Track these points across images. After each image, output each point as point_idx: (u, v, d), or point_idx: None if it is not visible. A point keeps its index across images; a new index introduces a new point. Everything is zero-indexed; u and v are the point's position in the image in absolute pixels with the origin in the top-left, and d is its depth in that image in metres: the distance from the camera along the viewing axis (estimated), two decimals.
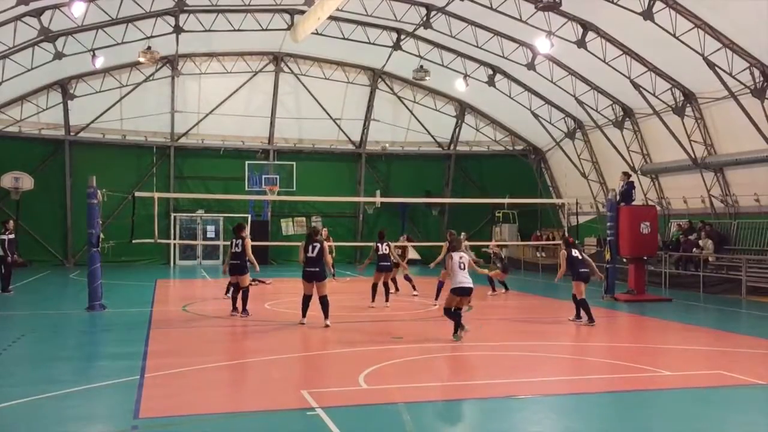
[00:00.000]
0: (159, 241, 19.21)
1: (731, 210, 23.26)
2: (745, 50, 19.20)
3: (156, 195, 17.75)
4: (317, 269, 12.83)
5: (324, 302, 12.94)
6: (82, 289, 16.41)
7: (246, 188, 31.07)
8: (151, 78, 29.89)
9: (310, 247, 12.89)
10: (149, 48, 25.58)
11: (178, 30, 25.86)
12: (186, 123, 31.65)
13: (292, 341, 11.72)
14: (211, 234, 32.78)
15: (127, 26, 24.96)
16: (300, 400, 7.72)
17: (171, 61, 29.38)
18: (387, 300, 16.35)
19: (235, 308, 14.67)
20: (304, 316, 13.11)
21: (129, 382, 8.50)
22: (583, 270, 14.24)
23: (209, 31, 26.40)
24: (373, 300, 16.34)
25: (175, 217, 31.63)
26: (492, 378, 9.26)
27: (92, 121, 30.23)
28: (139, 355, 10.24)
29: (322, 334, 12.15)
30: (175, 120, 31.30)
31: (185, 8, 24.71)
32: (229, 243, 15.01)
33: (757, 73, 19.49)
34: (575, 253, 14.39)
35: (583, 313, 14.15)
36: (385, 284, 16.53)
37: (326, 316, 12.93)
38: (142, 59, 25.88)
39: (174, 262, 31.57)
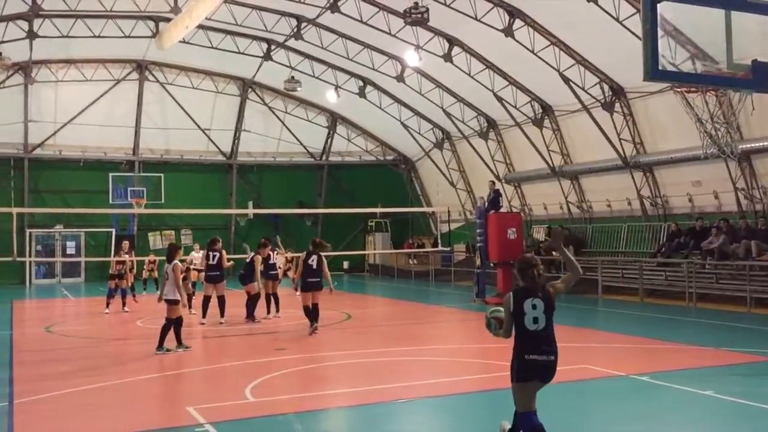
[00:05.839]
0: (17, 259, 17.96)
1: (586, 215, 24.98)
2: (595, 66, 20.76)
3: (15, 210, 16.66)
4: (318, 279, 13.48)
5: (317, 309, 13.50)
6: None
7: (110, 201, 29.68)
8: (1, 85, 27.91)
9: (312, 258, 13.47)
10: (0, 54, 23.95)
11: (32, 35, 24.35)
12: (41, 133, 29.80)
13: (169, 358, 11.35)
14: (71, 250, 30.99)
15: None
16: (186, 416, 7.55)
17: (24, 68, 27.60)
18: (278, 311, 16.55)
19: (249, 315, 15.62)
20: (316, 322, 13.53)
21: None
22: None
23: (67, 37, 25.04)
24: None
25: (30, 233, 29.64)
26: (372, 384, 9.39)
27: None
28: (4, 380, 9.57)
29: (202, 348, 11.86)
30: (28, 130, 29.38)
31: (40, 12, 23.32)
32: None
33: (606, 87, 21.13)
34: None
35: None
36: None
37: (316, 321, 13.53)
38: None
39: (30, 282, 29.55)
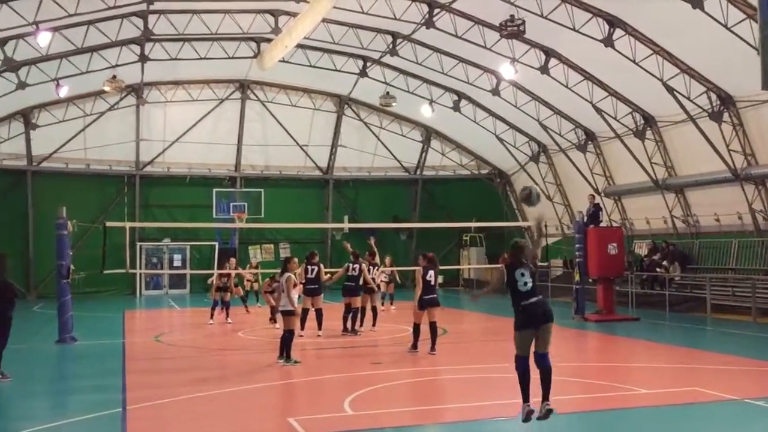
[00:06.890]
0: (129, 270, 18.99)
1: (693, 230, 23.87)
2: (702, 75, 19.87)
3: (128, 225, 17.62)
4: (436, 296, 13.14)
5: (435, 328, 13.06)
6: (48, 322, 16.14)
7: (214, 216, 30.89)
8: (115, 107, 29.64)
9: (430, 273, 13.03)
10: (114, 77, 25.43)
11: (143, 59, 25.76)
12: (151, 151, 31.40)
13: (271, 369, 11.66)
14: (177, 263, 32.39)
15: (91, 55, 24.77)
16: (288, 428, 7.72)
17: (136, 90, 29.20)
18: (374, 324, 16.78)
19: (345, 328, 15.79)
20: (416, 346, 13.18)
21: (110, 415, 8.40)
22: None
23: (175, 59, 26.37)
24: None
25: (140, 246, 31.23)
26: (471, 401, 9.30)
27: (55, 151, 29.80)
28: (117, 387, 10.11)
29: (302, 361, 12.11)
30: (140, 148, 31.06)
31: (151, 37, 24.66)
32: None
33: (713, 96, 20.17)
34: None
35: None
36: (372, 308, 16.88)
37: (434, 341, 13.06)
38: (107, 88, 25.69)
39: (140, 292, 31.10)
